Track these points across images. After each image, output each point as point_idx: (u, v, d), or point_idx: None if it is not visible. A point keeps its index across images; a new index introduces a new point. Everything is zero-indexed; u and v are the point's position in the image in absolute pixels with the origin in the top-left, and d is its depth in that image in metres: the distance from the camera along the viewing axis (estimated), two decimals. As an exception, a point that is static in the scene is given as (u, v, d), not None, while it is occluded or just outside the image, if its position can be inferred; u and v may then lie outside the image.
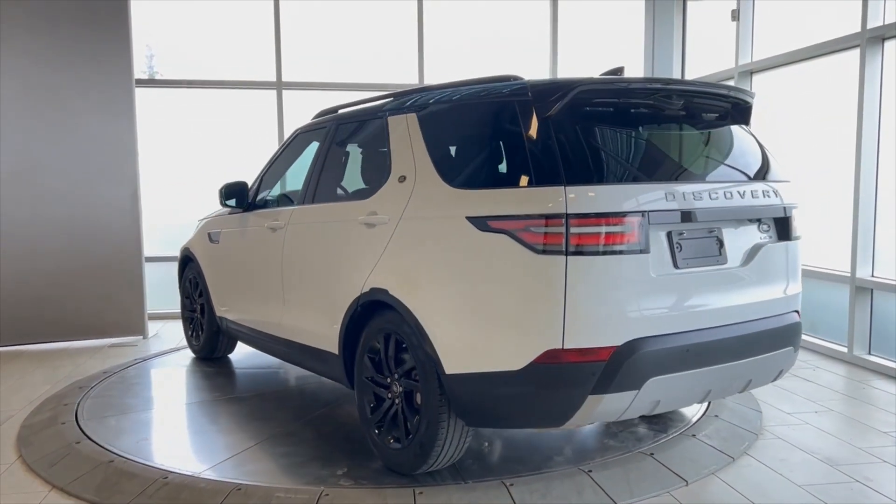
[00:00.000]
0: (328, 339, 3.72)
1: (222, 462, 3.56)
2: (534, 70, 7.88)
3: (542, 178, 2.78)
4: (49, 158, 6.19)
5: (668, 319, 2.87)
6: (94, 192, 6.32)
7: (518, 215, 2.78)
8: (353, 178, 4.07)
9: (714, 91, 3.34)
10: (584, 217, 2.70)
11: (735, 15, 6.78)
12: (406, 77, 7.67)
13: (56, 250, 6.24)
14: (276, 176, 4.83)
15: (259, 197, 4.75)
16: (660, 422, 3.98)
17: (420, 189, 3.25)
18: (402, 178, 3.36)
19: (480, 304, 2.91)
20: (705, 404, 4.22)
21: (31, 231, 6.18)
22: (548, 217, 2.71)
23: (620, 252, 2.75)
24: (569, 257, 2.69)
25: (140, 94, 6.63)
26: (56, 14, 6.12)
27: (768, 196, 3.25)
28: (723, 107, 3.37)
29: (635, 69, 8.06)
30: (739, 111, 3.42)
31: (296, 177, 4.46)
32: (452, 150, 3.32)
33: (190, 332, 5.76)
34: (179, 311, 5.93)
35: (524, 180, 2.83)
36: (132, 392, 4.82)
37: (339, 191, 4.07)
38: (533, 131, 2.87)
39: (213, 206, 5.23)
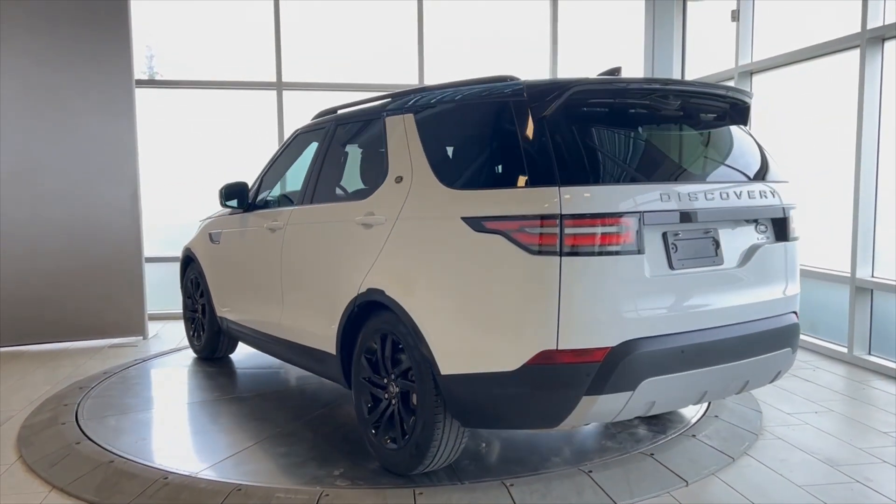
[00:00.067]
0: (326, 339, 3.73)
1: (220, 462, 3.56)
2: (534, 70, 7.88)
3: (536, 179, 2.78)
4: (49, 158, 6.19)
5: (663, 320, 2.87)
6: (94, 192, 6.32)
7: (513, 216, 2.78)
8: (351, 179, 4.07)
9: (711, 91, 3.33)
10: (578, 218, 2.69)
11: (735, 15, 6.78)
12: (406, 77, 7.68)
13: (56, 251, 6.24)
14: (275, 176, 4.84)
15: (259, 197, 4.76)
16: (660, 422, 3.98)
17: (416, 189, 3.25)
18: (399, 179, 3.36)
19: (475, 305, 2.91)
20: (705, 405, 4.22)
21: (31, 231, 6.18)
22: (542, 217, 2.71)
23: (615, 253, 2.74)
24: (563, 258, 2.69)
25: (140, 94, 6.63)
26: (56, 14, 6.12)
27: (765, 197, 3.24)
28: (720, 107, 3.37)
29: (635, 69, 8.07)
30: (737, 111, 3.41)
31: (295, 177, 4.47)
32: (448, 150, 3.32)
33: (191, 333, 5.77)
34: (179, 311, 5.93)
35: (519, 181, 2.83)
36: (132, 392, 4.82)
37: (338, 191, 4.08)
38: (528, 132, 2.87)
39: (214, 206, 5.23)
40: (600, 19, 8.18)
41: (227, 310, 5.10)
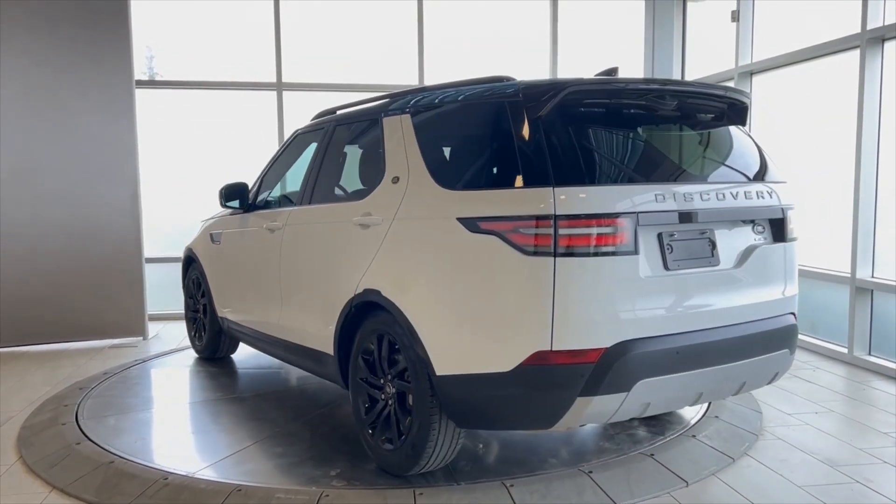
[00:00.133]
0: (324, 339, 3.73)
1: (218, 462, 3.56)
2: (534, 70, 7.89)
3: (531, 179, 2.78)
4: (49, 159, 6.19)
5: (658, 321, 2.86)
6: (95, 192, 6.32)
7: (507, 216, 2.78)
8: (349, 179, 4.08)
9: (708, 91, 3.31)
10: (572, 218, 2.69)
11: (735, 16, 6.78)
12: (406, 77, 7.68)
13: (56, 251, 6.24)
14: (275, 177, 4.84)
15: (259, 198, 4.77)
16: (660, 423, 3.98)
17: (413, 190, 3.25)
18: (396, 179, 3.37)
19: (470, 306, 2.91)
20: (705, 405, 4.22)
21: (31, 231, 6.18)
22: (536, 218, 2.70)
23: (609, 253, 2.74)
24: (557, 258, 2.68)
25: (140, 94, 6.63)
26: (56, 15, 6.12)
27: (762, 197, 3.23)
28: (718, 107, 3.35)
29: (635, 70, 8.07)
30: (736, 112, 3.40)
31: (295, 178, 4.47)
32: (444, 150, 3.32)
33: (193, 333, 5.78)
34: (179, 311, 5.93)
35: (514, 181, 2.83)
36: (132, 392, 4.82)
37: (336, 192, 4.08)
38: (523, 132, 2.87)
39: (214, 207, 5.24)
40: (600, 19, 8.18)
41: (227, 310, 5.11)
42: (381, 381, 3.36)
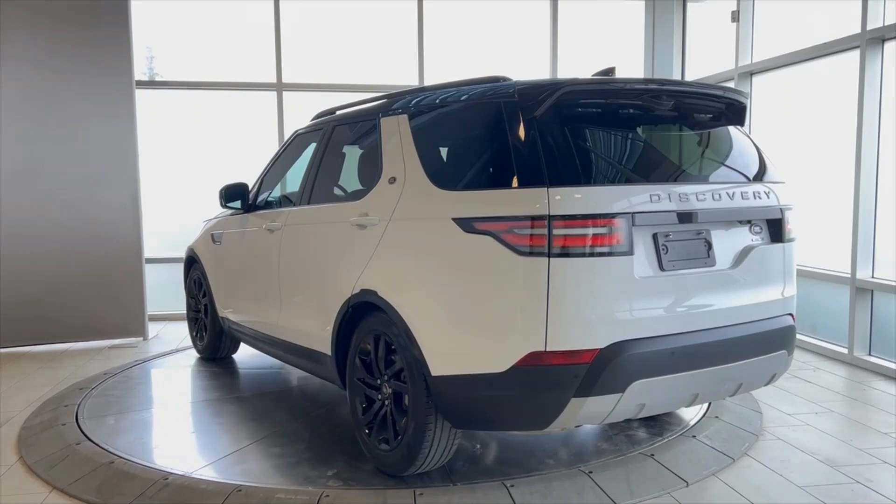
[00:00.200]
0: (321, 339, 3.73)
1: (216, 462, 3.57)
2: (534, 70, 7.89)
3: (526, 180, 2.77)
4: (50, 160, 6.19)
5: (652, 322, 2.85)
6: (95, 193, 6.33)
7: (502, 217, 2.77)
8: (347, 180, 4.08)
9: (705, 91, 3.30)
10: (566, 219, 2.69)
11: (735, 16, 6.78)
12: (406, 78, 7.68)
13: (57, 252, 6.25)
14: (275, 177, 4.85)
15: (259, 198, 4.77)
16: (660, 423, 3.98)
17: (409, 190, 3.25)
18: (393, 180, 3.37)
19: (465, 306, 2.91)
20: (705, 405, 4.22)
21: (31, 232, 6.18)
22: (530, 218, 2.70)
23: (604, 254, 2.73)
24: (552, 259, 2.68)
25: (140, 95, 6.64)
26: (56, 15, 6.13)
27: (759, 197, 3.21)
28: (715, 107, 3.34)
29: (635, 70, 8.07)
30: (734, 112, 3.38)
31: (294, 178, 4.48)
32: (440, 151, 3.32)
33: (194, 333, 5.79)
34: (179, 312, 5.94)
35: (509, 181, 2.82)
36: (132, 393, 4.82)
37: (334, 192, 4.08)
38: (518, 132, 2.86)
39: (214, 207, 5.24)
40: (600, 19, 8.18)
41: (228, 310, 5.12)
42: (378, 381, 3.36)
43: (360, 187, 3.82)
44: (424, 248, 3.11)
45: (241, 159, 7.51)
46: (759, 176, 3.33)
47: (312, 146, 4.32)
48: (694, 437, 3.79)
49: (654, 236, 2.90)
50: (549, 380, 2.74)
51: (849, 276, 5.46)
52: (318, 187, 4.08)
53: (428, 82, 7.57)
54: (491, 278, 2.82)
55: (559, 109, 2.89)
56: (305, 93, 7.61)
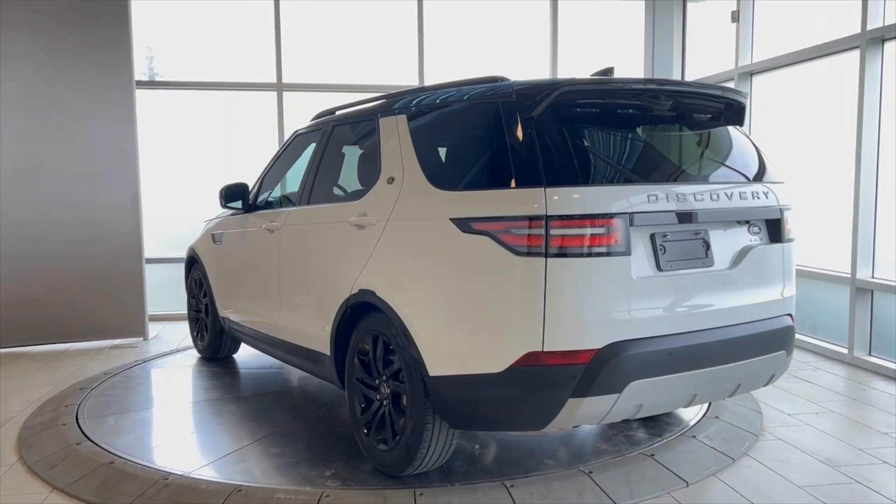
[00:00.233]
0: (320, 339, 3.74)
1: (215, 461, 3.57)
2: (534, 70, 7.89)
3: (523, 180, 2.77)
4: (50, 160, 6.19)
5: (650, 322, 2.84)
6: (95, 193, 6.33)
7: (499, 217, 2.77)
8: (346, 180, 4.09)
9: (703, 91, 3.29)
10: (563, 219, 2.68)
11: (735, 16, 6.78)
12: (407, 78, 7.68)
13: (57, 252, 6.25)
14: (275, 177, 4.85)
15: (259, 198, 4.77)
16: (660, 423, 3.98)
17: (407, 190, 3.25)
18: (391, 180, 3.37)
19: (463, 306, 2.91)
20: (705, 406, 4.22)
21: (31, 232, 6.18)
22: (527, 218, 2.70)
23: (601, 254, 2.73)
24: (549, 259, 2.68)
25: (140, 95, 6.64)
26: (56, 16, 6.13)
27: (757, 198, 3.21)
28: (714, 107, 3.33)
29: (635, 70, 8.07)
30: (732, 112, 3.37)
31: (294, 178, 4.48)
32: (439, 151, 3.32)
33: (195, 333, 5.80)
34: (179, 312, 5.94)
35: (506, 182, 2.82)
36: (132, 393, 4.82)
37: (333, 192, 4.08)
38: (516, 132, 2.86)
39: (214, 207, 5.24)
40: (600, 19, 8.19)
41: (228, 310, 5.12)
42: (377, 381, 3.36)
43: (359, 187, 3.82)
44: (422, 248, 3.11)
45: (241, 159, 7.52)
46: (758, 176, 3.32)
47: (312, 146, 4.32)
48: (694, 437, 3.79)
49: (652, 236, 2.90)
50: (546, 380, 2.74)
51: (849, 276, 5.46)
52: (318, 187, 4.08)
53: (428, 82, 7.58)
54: (488, 278, 2.82)
55: (557, 109, 2.88)
56: (305, 93, 7.61)
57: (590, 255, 2.72)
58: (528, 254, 2.69)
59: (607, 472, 3.36)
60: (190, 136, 7.72)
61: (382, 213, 3.34)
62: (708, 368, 2.98)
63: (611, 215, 2.74)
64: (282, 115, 7.60)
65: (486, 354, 2.83)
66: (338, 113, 4.23)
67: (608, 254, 2.74)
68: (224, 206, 4.84)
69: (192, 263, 5.72)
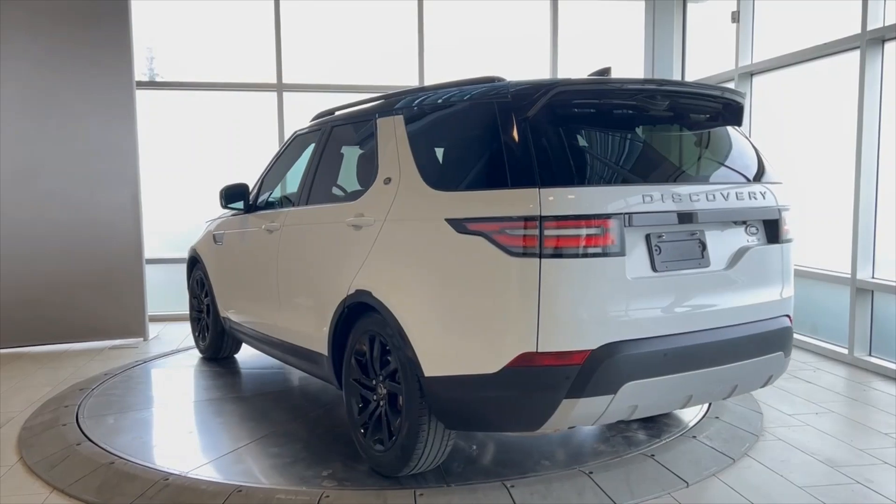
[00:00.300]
0: (318, 340, 3.74)
1: (213, 461, 3.58)
2: (535, 70, 7.89)
3: (518, 180, 2.76)
4: (50, 160, 6.19)
5: (645, 323, 2.83)
6: (95, 193, 6.33)
7: (493, 217, 2.77)
8: (344, 180, 4.09)
9: (700, 92, 3.27)
10: (558, 219, 2.68)
11: (735, 16, 6.78)
12: (407, 78, 7.68)
13: (57, 252, 6.25)
14: (275, 178, 4.86)
15: (260, 199, 4.78)
16: (660, 424, 3.98)
17: (403, 191, 3.25)
18: (388, 180, 3.37)
19: (458, 307, 2.91)
20: (706, 406, 4.22)
21: (32, 233, 6.18)
22: (521, 219, 2.69)
23: (595, 255, 2.72)
24: (543, 260, 2.67)
25: (141, 95, 6.64)
26: (56, 16, 6.13)
27: (755, 198, 3.19)
28: (712, 108, 3.32)
29: (636, 70, 8.07)
30: (730, 112, 3.35)
31: (294, 179, 4.48)
32: (435, 151, 3.31)
33: (197, 333, 5.82)
34: (179, 312, 5.95)
35: (501, 182, 2.82)
36: (133, 393, 4.82)
37: (331, 193, 4.08)
38: (511, 133, 2.86)
39: (214, 207, 5.24)
40: (600, 19, 8.19)
41: (229, 310, 5.12)
42: (373, 382, 3.37)
43: (356, 188, 3.83)
44: (418, 248, 3.11)
45: (241, 160, 7.52)
46: (756, 176, 3.30)
47: (311, 147, 4.33)
48: (694, 437, 3.79)
49: (647, 237, 2.89)
50: (540, 381, 2.73)
51: (849, 276, 5.46)
52: (316, 188, 4.09)
53: (428, 82, 7.58)
54: (483, 279, 2.81)
55: (552, 110, 2.88)
56: (306, 93, 7.61)
57: (584, 255, 2.71)
58: (523, 254, 2.69)
59: (607, 472, 3.36)
60: (190, 136, 7.72)
61: (379, 214, 3.34)
62: (704, 369, 2.97)
63: (605, 216, 2.74)
64: (282, 116, 7.60)
65: (481, 355, 2.83)
66: (337, 113, 4.23)
67: (603, 254, 2.73)
68: (224, 206, 4.84)
69: (194, 264, 5.73)
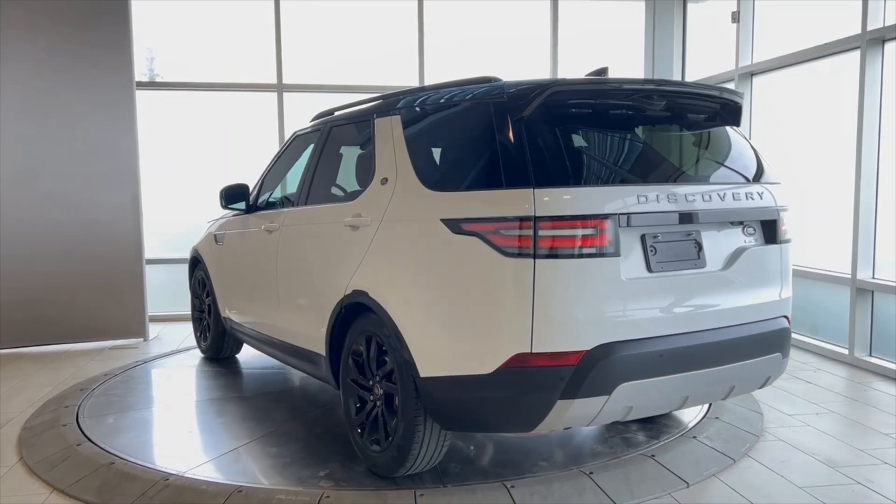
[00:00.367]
0: (316, 340, 3.74)
1: (211, 461, 3.58)
2: (535, 70, 7.89)
3: (512, 181, 2.76)
4: (50, 161, 6.20)
5: (640, 324, 2.83)
6: (95, 194, 6.33)
7: (488, 218, 2.76)
8: (342, 181, 4.10)
9: (697, 92, 3.25)
10: (552, 220, 2.67)
11: (735, 17, 6.78)
12: (407, 78, 7.68)
13: (57, 252, 6.25)
14: (275, 178, 4.86)
15: (260, 199, 4.78)
16: (660, 424, 3.98)
17: (400, 191, 3.25)
18: (385, 181, 3.37)
19: (453, 307, 2.91)
20: (706, 406, 4.22)
21: (32, 233, 6.18)
22: (515, 219, 2.69)
23: (589, 255, 2.71)
24: (537, 260, 2.67)
25: (141, 96, 6.64)
26: (56, 16, 6.13)
27: (752, 198, 3.17)
28: (709, 108, 3.30)
29: (636, 70, 8.06)
30: (729, 112, 3.34)
31: (293, 179, 4.49)
32: (431, 151, 3.31)
33: (198, 333, 5.83)
34: (179, 313, 5.95)
35: (496, 182, 2.81)
36: (133, 393, 4.82)
37: (330, 193, 4.09)
38: (505, 133, 2.85)
39: (214, 207, 5.25)
40: (600, 19, 8.18)
41: (229, 311, 5.13)
42: (370, 382, 3.36)
43: (354, 188, 3.83)
44: (414, 249, 3.11)
45: (241, 160, 7.52)
46: (754, 176, 3.29)
47: (311, 147, 4.33)
48: (694, 437, 3.79)
49: (643, 237, 2.88)
50: (534, 381, 2.73)
51: (849, 276, 5.46)
52: (315, 188, 4.09)
53: (428, 82, 7.57)
54: (477, 279, 2.81)
55: (548, 110, 2.87)
56: (306, 93, 7.61)
57: (579, 256, 2.70)
58: (517, 255, 2.68)
59: (608, 472, 3.36)
60: (190, 136, 7.72)
61: (376, 214, 3.34)
62: (700, 370, 2.96)
63: (600, 216, 2.73)
64: (282, 116, 7.60)
65: (476, 356, 2.83)
66: (336, 114, 4.23)
67: (597, 255, 2.73)
68: (224, 206, 4.84)
69: (196, 264, 5.75)
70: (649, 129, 3.30)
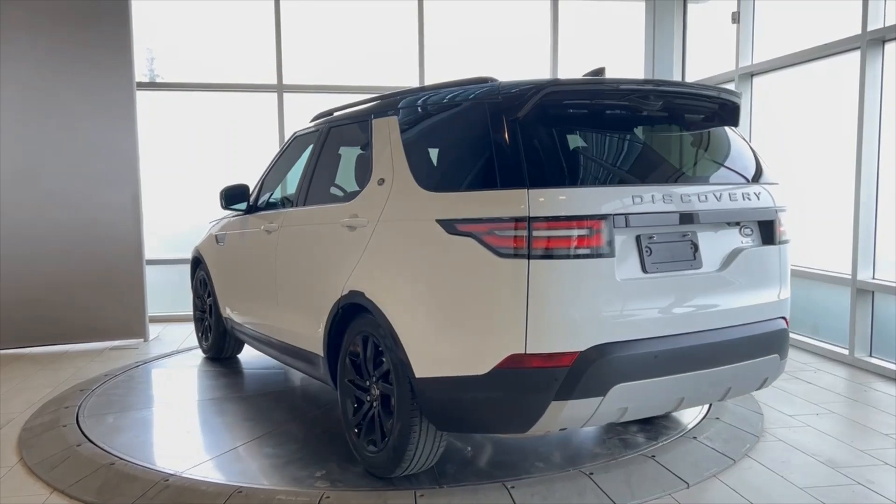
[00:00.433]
0: (314, 340, 3.75)
1: (209, 461, 3.59)
2: (535, 70, 7.89)
3: (507, 181, 2.76)
4: (50, 161, 6.19)
5: (634, 325, 2.82)
6: (95, 194, 6.33)
7: (482, 218, 2.76)
8: (340, 181, 4.10)
9: (694, 92, 3.24)
10: (547, 220, 2.67)
11: (735, 17, 6.78)
12: (407, 79, 7.68)
13: (57, 253, 6.25)
14: (275, 179, 4.87)
15: (260, 200, 4.79)
16: (659, 425, 3.97)
17: (396, 192, 3.25)
18: (381, 181, 3.37)
19: (448, 308, 2.90)
20: (706, 406, 4.22)
21: (32, 233, 6.18)
22: (510, 220, 2.69)
23: (584, 256, 2.71)
24: (531, 261, 2.66)
25: (141, 96, 6.64)
26: (56, 16, 6.13)
27: (748, 199, 3.15)
28: (706, 108, 3.29)
29: (636, 70, 8.06)
30: (727, 112, 3.32)
31: (293, 180, 4.49)
32: (427, 152, 3.31)
33: (200, 333, 5.83)
34: (180, 313, 5.95)
35: (491, 183, 2.81)
36: (133, 394, 4.82)
37: (328, 193, 4.09)
38: (501, 133, 2.85)
39: (215, 208, 5.25)
40: (600, 20, 8.18)
41: (230, 311, 5.13)
42: (367, 383, 3.36)
43: (352, 189, 3.83)
44: (409, 249, 3.11)
45: (241, 161, 7.52)
46: (751, 177, 3.28)
47: (310, 148, 4.33)
48: (694, 438, 3.79)
49: (638, 238, 2.88)
50: (529, 382, 2.72)
51: (849, 277, 5.46)
52: (313, 189, 4.09)
53: (428, 82, 7.57)
54: (472, 280, 2.81)
55: (543, 110, 2.87)
56: (306, 94, 7.61)
57: (573, 256, 2.70)
58: (511, 255, 2.68)
59: (608, 473, 3.36)
60: (190, 137, 7.72)
61: (372, 215, 3.35)
62: (695, 372, 2.95)
63: (594, 217, 2.72)
64: (282, 117, 7.60)
65: (470, 356, 2.83)
66: (335, 114, 4.23)
67: (592, 255, 2.72)
68: (224, 207, 4.85)
69: (197, 264, 5.76)
70: (646, 129, 3.29)
